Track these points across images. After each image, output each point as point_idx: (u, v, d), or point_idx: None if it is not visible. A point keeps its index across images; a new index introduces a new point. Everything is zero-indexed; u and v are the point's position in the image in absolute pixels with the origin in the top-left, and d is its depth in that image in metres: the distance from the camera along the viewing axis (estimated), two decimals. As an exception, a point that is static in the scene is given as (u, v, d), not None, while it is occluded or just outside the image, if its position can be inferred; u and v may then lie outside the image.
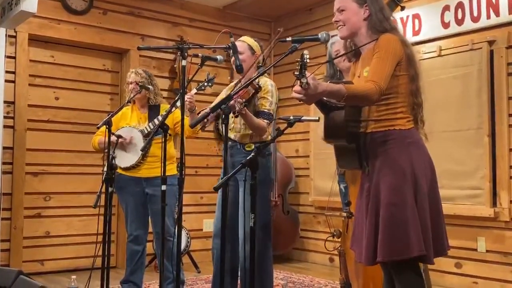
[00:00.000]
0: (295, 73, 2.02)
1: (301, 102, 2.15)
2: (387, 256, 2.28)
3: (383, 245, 2.27)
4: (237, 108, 2.94)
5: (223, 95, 3.63)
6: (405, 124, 2.38)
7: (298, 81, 2.03)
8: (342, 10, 2.48)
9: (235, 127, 3.41)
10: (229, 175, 2.11)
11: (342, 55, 2.62)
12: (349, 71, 3.49)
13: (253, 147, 3.35)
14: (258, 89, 3.08)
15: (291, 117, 2.45)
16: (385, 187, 2.32)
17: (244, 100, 2.98)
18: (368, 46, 2.45)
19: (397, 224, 2.27)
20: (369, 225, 2.34)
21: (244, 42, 3.49)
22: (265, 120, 3.29)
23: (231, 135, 3.42)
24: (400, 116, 2.38)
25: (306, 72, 2.03)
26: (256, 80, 3.11)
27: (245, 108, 3.07)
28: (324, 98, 2.33)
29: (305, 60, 1.99)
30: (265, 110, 3.32)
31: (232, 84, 3.67)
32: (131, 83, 4.00)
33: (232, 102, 2.91)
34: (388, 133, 2.37)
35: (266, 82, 3.38)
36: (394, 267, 2.36)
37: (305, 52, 2.05)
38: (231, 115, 3.37)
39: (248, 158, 2.15)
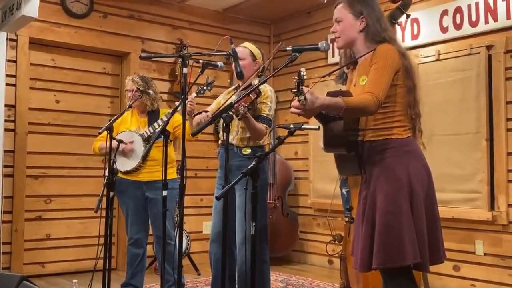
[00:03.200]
0: (293, 90, 2.07)
1: (300, 116, 2.20)
2: (382, 263, 2.31)
3: (378, 253, 2.31)
4: (241, 111, 2.99)
5: (221, 99, 3.66)
6: (402, 133, 2.41)
7: (296, 98, 2.08)
8: (339, 21, 2.52)
9: (233, 130, 3.45)
10: (231, 184, 2.14)
11: (344, 66, 2.65)
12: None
13: (249, 151, 3.39)
14: (258, 94, 3.13)
15: (292, 126, 2.48)
16: (381, 195, 2.35)
17: (247, 104, 3.04)
18: (366, 55, 2.48)
19: (392, 232, 2.30)
20: (365, 232, 2.38)
21: (246, 48, 3.51)
22: (264, 125, 3.34)
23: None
24: (397, 125, 2.41)
25: (304, 88, 2.08)
26: (256, 83, 3.16)
27: (248, 111, 3.12)
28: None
29: (302, 78, 2.04)
30: (264, 115, 3.39)
31: (231, 89, 3.69)
32: (129, 90, 4.03)
33: (236, 105, 2.97)
34: (385, 142, 2.40)
35: (266, 87, 3.43)
36: (388, 274, 2.40)
37: (302, 69, 2.10)
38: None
39: (249, 167, 2.17)
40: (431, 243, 2.36)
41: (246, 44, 3.57)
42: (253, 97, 3.05)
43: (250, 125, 3.26)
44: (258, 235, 3.28)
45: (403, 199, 2.32)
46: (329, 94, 2.44)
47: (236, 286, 3.45)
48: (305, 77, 2.06)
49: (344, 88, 3.64)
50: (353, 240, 2.55)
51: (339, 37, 2.53)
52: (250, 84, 3.25)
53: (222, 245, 2.65)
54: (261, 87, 3.34)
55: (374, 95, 2.26)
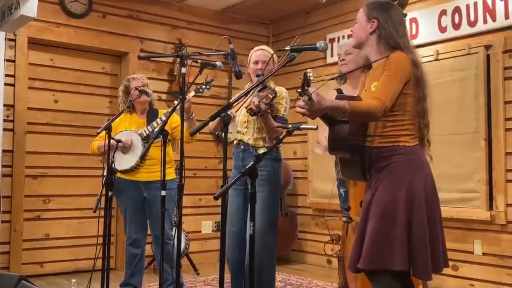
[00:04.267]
0: (298, 90, 2.09)
1: (305, 116, 2.22)
2: (368, 265, 2.31)
3: (366, 254, 2.31)
4: (263, 108, 3.05)
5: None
6: (409, 140, 2.42)
7: (301, 97, 2.11)
8: (356, 22, 2.59)
9: (248, 131, 3.47)
10: (229, 184, 2.14)
11: (357, 69, 2.69)
12: (351, 74, 3.59)
13: (265, 151, 3.41)
14: (274, 95, 3.18)
15: (290, 125, 2.49)
16: (380, 199, 2.36)
17: (268, 101, 3.09)
18: (379, 60, 2.49)
19: (383, 235, 2.31)
20: (358, 232, 2.40)
21: (269, 53, 3.54)
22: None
23: (244, 138, 3.48)
24: (405, 133, 2.42)
25: (310, 89, 2.10)
26: (272, 87, 3.24)
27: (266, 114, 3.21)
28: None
29: (308, 79, 2.07)
30: (280, 115, 3.44)
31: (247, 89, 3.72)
32: (137, 87, 4.01)
33: (257, 102, 3.03)
34: (392, 148, 2.41)
35: (281, 89, 3.50)
36: (373, 277, 2.40)
37: (309, 70, 2.12)
38: (239, 118, 3.45)
39: (247, 167, 2.18)
40: (430, 251, 2.35)
41: (267, 48, 3.60)
42: (271, 96, 3.10)
43: (268, 123, 3.30)
44: (268, 230, 3.32)
45: (401, 205, 2.33)
46: (339, 97, 2.45)
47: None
48: (311, 78, 2.08)
49: (343, 87, 3.66)
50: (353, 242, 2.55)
51: (352, 36, 2.62)
52: (265, 86, 3.28)
53: (220, 243, 2.65)
54: (277, 89, 3.42)
55: (381, 101, 2.29)
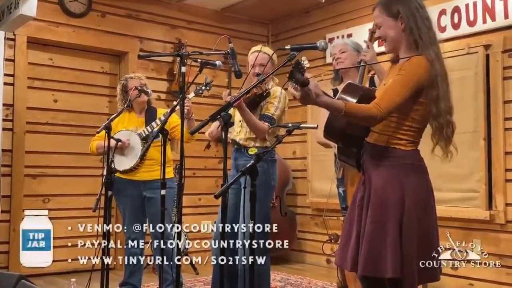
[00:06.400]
0: (287, 75, 2.07)
1: (295, 99, 2.18)
2: (364, 272, 2.28)
3: (361, 260, 2.28)
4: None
5: None
6: (406, 145, 2.33)
7: (292, 82, 2.08)
8: (380, 27, 2.42)
9: (241, 131, 3.49)
10: (229, 183, 2.14)
11: (352, 67, 2.65)
12: (346, 74, 3.58)
13: (256, 151, 3.41)
14: (266, 94, 3.15)
15: (290, 125, 2.49)
16: (372, 203, 2.31)
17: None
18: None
19: (375, 241, 2.26)
20: (355, 237, 2.36)
21: (265, 54, 3.49)
22: (266, 123, 3.35)
23: (237, 138, 3.51)
24: (405, 138, 2.33)
25: (307, 74, 2.08)
26: (269, 86, 3.22)
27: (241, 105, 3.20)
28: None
29: (299, 65, 2.03)
30: (268, 114, 3.41)
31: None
32: (136, 87, 4.00)
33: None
34: (388, 149, 2.33)
35: (277, 89, 3.47)
36: (369, 284, 2.38)
37: (303, 58, 2.10)
38: (235, 117, 3.47)
39: (248, 165, 2.18)
40: (423, 260, 2.30)
41: (263, 48, 3.56)
42: (252, 94, 3.08)
43: (246, 119, 3.30)
44: (259, 237, 3.30)
45: (391, 212, 2.26)
46: (354, 87, 2.41)
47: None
48: (306, 65, 2.04)
49: (339, 88, 3.65)
50: (342, 236, 2.52)
51: (384, 41, 2.43)
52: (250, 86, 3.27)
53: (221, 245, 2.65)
54: (274, 88, 3.43)
55: (380, 110, 2.20)
